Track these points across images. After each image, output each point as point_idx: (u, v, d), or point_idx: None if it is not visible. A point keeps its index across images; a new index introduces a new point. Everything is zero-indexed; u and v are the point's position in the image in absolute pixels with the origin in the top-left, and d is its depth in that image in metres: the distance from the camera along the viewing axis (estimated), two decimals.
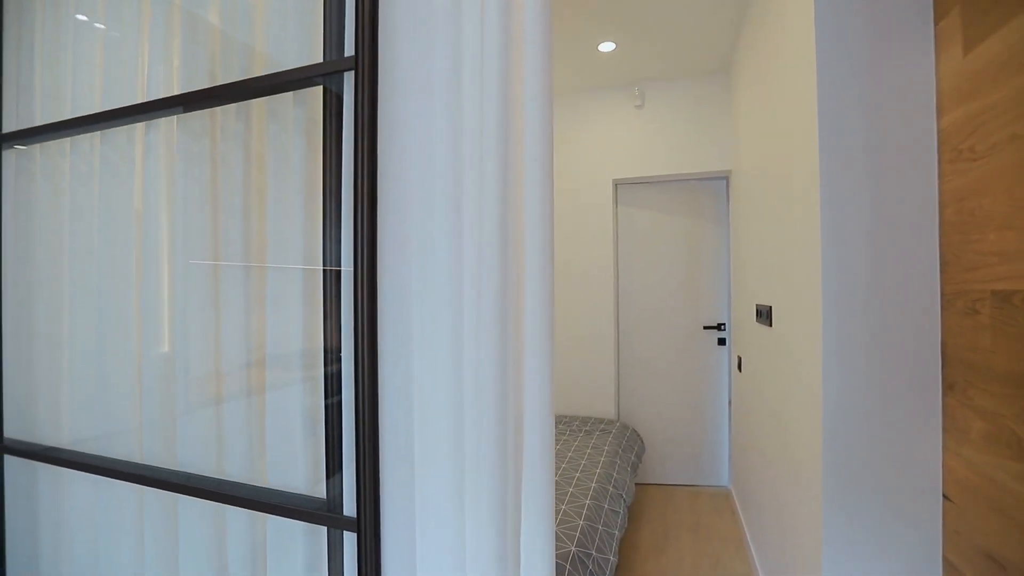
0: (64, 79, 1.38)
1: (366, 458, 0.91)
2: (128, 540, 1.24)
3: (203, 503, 1.13)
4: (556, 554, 1.58)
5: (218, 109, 1.13)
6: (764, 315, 2.10)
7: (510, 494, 0.90)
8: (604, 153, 3.34)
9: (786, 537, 1.72)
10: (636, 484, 3.34)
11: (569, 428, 2.96)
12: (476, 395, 0.88)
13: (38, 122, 1.39)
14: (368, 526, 0.91)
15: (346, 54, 0.94)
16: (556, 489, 2.07)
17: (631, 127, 3.28)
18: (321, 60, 0.99)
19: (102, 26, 1.35)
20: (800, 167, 1.49)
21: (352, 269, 0.90)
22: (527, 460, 0.87)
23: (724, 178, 3.25)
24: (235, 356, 1.11)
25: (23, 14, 1.46)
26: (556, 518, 1.81)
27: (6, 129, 1.44)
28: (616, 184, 3.38)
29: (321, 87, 0.99)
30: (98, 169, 1.31)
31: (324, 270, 0.98)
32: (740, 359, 2.80)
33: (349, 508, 0.94)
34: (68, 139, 1.36)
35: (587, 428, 2.96)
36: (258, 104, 1.11)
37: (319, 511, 0.96)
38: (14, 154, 1.45)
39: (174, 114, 1.17)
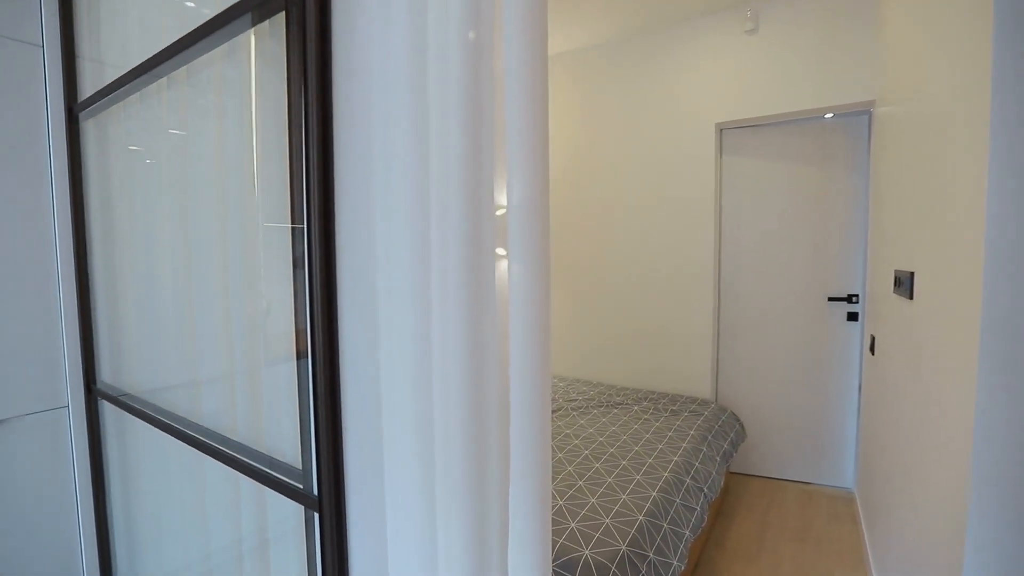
0: (114, 43, 1.43)
1: (326, 432, 0.80)
2: (166, 479, 1.31)
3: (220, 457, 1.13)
4: (601, 552, 1.39)
5: (203, 58, 1.05)
6: (903, 284, 1.61)
7: (492, 498, 0.73)
8: (704, 93, 2.84)
9: (919, 566, 1.32)
10: (734, 473, 2.96)
11: (654, 406, 2.67)
12: (443, 370, 0.71)
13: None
14: (329, 507, 0.81)
15: None
16: (620, 476, 1.85)
17: (740, 59, 2.74)
18: None
19: None
20: (960, 81, 1.04)
21: (305, 224, 0.77)
22: (515, 452, 0.69)
23: (865, 112, 2.59)
24: (233, 318, 1.07)
25: None
26: (613, 509, 1.60)
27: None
28: (720, 129, 2.88)
29: (283, 12, 0.85)
30: (134, 132, 1.35)
31: (292, 227, 0.87)
32: (873, 339, 2.26)
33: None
34: (120, 104, 1.41)
35: (674, 408, 2.64)
36: (244, 41, 1.01)
37: (290, 483, 0.89)
38: (92, 123, 1.56)
39: (171, 70, 1.13)
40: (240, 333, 1.05)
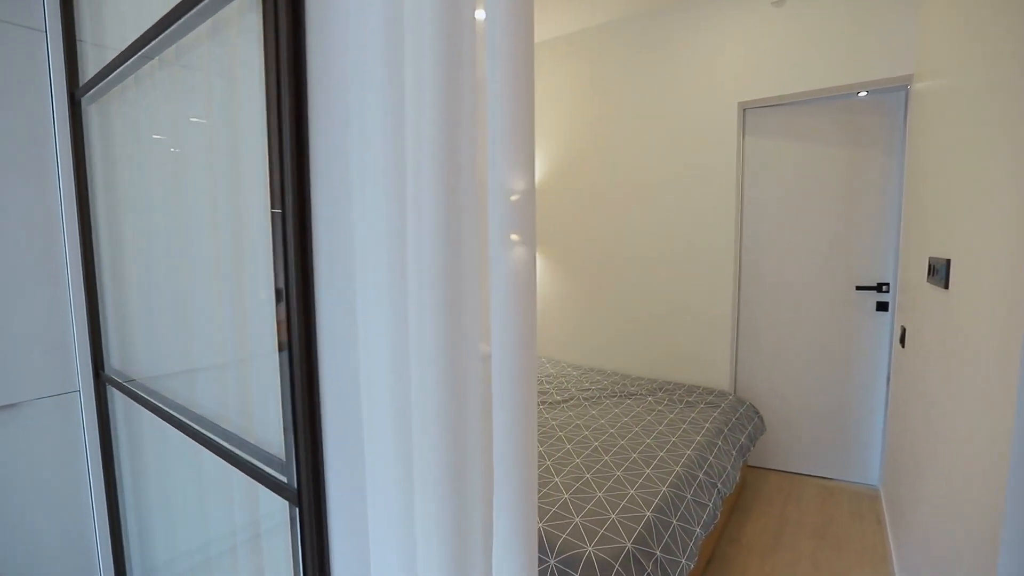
0: (115, 26, 1.41)
1: (303, 426, 0.77)
2: (167, 466, 1.31)
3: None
4: (605, 550, 1.34)
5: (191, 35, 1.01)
6: (938, 272, 1.50)
7: (472, 498, 0.69)
8: (728, 70, 2.70)
9: (947, 569, 1.24)
10: (751, 467, 2.87)
11: (669, 397, 2.60)
12: (420, 364, 0.66)
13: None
14: (308, 502, 0.78)
15: None
16: (630, 470, 1.79)
17: (766, 33, 2.59)
18: None
19: None
20: (1012, 51, 0.93)
21: (280, 211, 0.73)
22: (497, 450, 0.65)
23: (902, 88, 2.42)
24: (222, 305, 1.04)
25: None
26: (620, 504, 1.55)
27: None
28: (743, 109, 2.74)
29: None
30: (132, 117, 1.33)
31: (272, 214, 0.82)
32: (904, 330, 2.14)
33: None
34: (119, 88, 1.39)
35: (690, 399, 2.57)
36: (229, 16, 0.96)
37: (275, 477, 0.86)
38: (95, 108, 1.55)
39: (160, 50, 1.10)
40: (228, 321, 1.02)
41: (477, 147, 0.62)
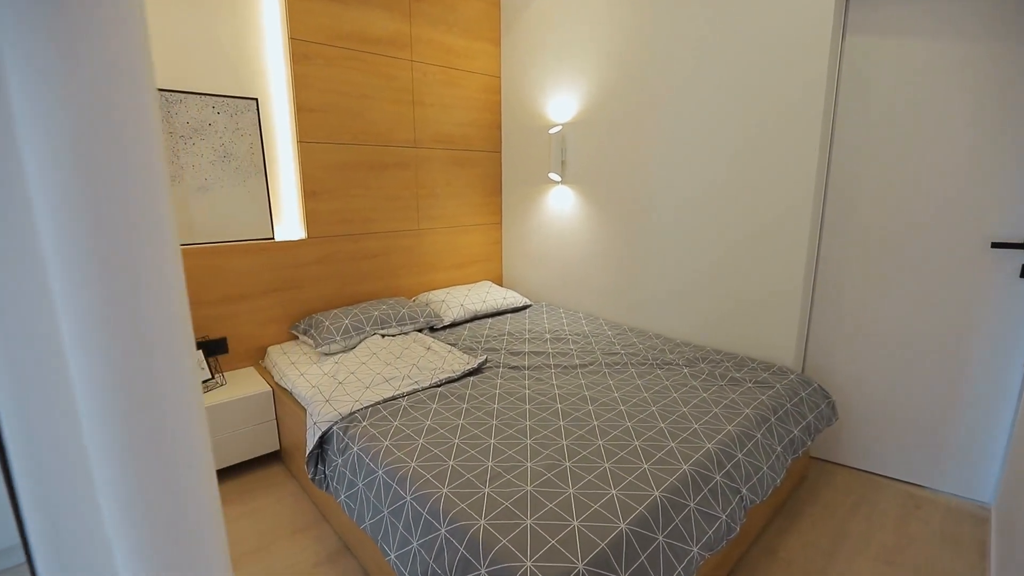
0: None
1: None
2: None
3: None
4: (548, 568, 1.05)
5: None
6: None
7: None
8: None
9: None
10: (816, 459, 2.37)
11: (712, 370, 2.15)
12: None
13: None
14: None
15: None
16: (623, 462, 1.45)
17: None
18: None
19: None
20: None
21: None
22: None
23: None
24: None
25: None
26: (591, 508, 1.23)
27: None
28: None
29: None
30: None
31: None
32: None
33: None
34: None
35: (737, 375, 2.10)
36: None
37: None
38: None
39: None
40: None
41: None
